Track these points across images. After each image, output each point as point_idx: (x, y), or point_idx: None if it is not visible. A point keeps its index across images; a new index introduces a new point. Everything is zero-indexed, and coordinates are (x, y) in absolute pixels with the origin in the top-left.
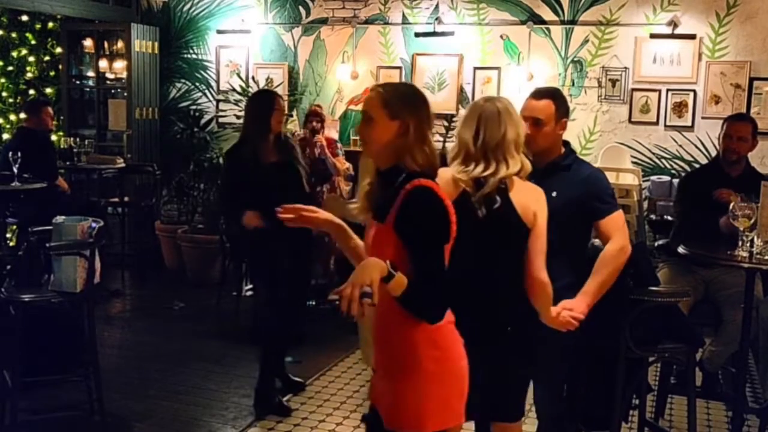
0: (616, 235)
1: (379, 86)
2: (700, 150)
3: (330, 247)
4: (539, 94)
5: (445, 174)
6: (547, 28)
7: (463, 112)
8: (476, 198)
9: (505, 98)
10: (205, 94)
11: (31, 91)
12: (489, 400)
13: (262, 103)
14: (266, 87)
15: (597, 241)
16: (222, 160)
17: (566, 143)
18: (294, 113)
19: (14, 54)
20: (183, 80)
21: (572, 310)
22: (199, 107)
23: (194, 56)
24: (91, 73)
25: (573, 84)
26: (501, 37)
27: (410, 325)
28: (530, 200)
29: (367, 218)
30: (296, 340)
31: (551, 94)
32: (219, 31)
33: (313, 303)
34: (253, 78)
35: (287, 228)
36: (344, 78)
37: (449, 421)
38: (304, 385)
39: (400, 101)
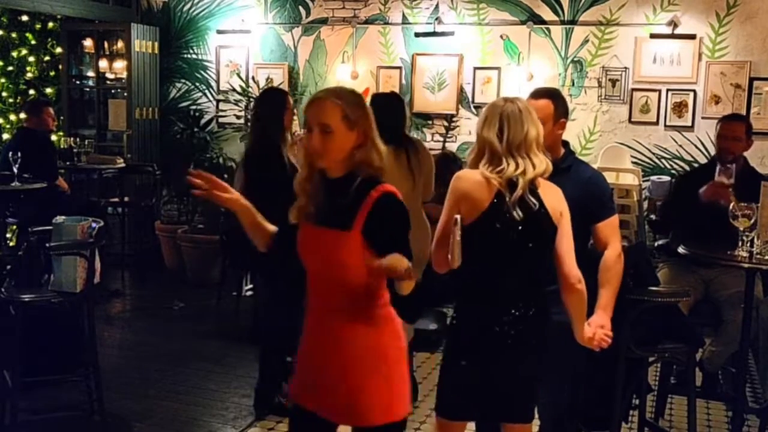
0: (613, 240)
1: (333, 96)
2: (700, 150)
3: None
4: (538, 93)
5: (473, 176)
6: (547, 28)
7: (481, 113)
8: (511, 200)
9: (522, 98)
10: (205, 94)
11: (31, 91)
12: (503, 401)
13: (275, 102)
14: (270, 86)
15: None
16: (241, 163)
17: (565, 144)
18: (294, 113)
19: (14, 54)
20: (183, 80)
21: (603, 327)
22: (199, 107)
23: (194, 56)
24: (91, 73)
25: (573, 84)
26: (501, 37)
27: (379, 320)
28: (557, 200)
29: (305, 221)
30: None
31: (550, 93)
32: (219, 31)
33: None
34: (253, 78)
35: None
36: (344, 78)
37: (409, 403)
38: None
39: (356, 111)
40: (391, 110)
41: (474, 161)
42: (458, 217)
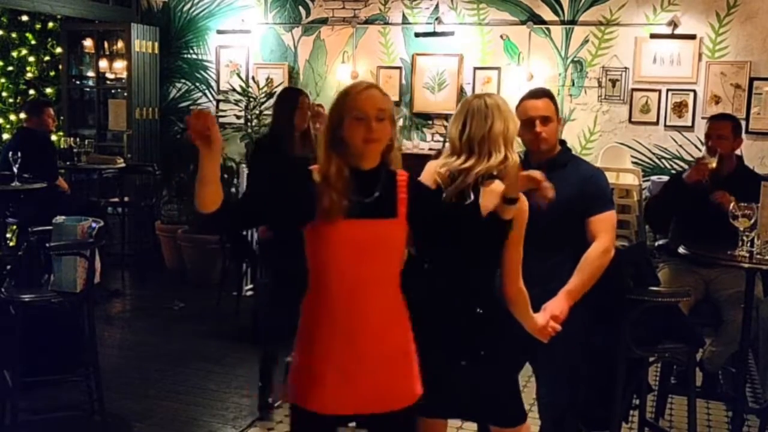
0: (602, 236)
1: (376, 86)
2: (700, 150)
3: None
4: (537, 94)
5: (429, 166)
6: (547, 28)
7: None
8: (449, 191)
9: (498, 95)
10: (205, 94)
11: (31, 91)
12: (485, 407)
13: (286, 101)
14: (289, 86)
15: None
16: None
17: (562, 141)
18: (310, 112)
19: (14, 54)
20: (183, 80)
21: (557, 317)
22: (199, 107)
23: (194, 56)
24: (91, 73)
25: (573, 84)
26: (501, 37)
27: (404, 310)
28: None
29: (339, 216)
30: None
31: (547, 93)
32: (219, 31)
33: None
34: (253, 78)
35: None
36: (344, 78)
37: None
38: None
39: (392, 102)
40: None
41: (443, 156)
42: None
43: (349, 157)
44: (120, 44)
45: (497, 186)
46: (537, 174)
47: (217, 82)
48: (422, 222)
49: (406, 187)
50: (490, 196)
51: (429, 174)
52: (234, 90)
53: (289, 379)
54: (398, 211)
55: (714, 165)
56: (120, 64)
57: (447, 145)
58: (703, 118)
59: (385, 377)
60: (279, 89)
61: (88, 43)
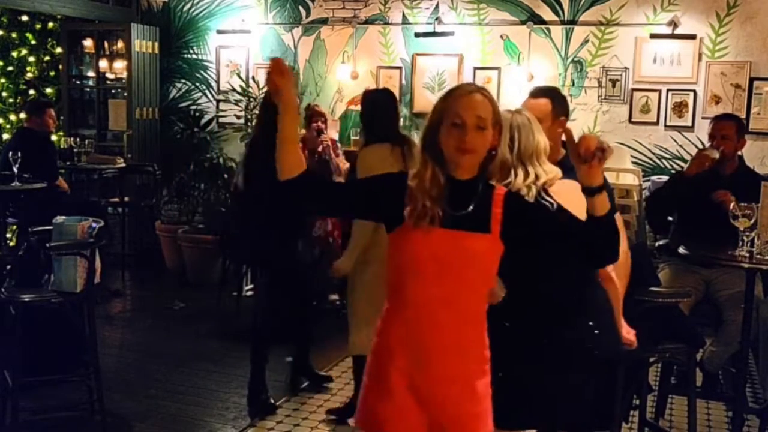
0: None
1: (483, 90)
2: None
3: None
4: (537, 93)
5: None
6: (547, 28)
7: None
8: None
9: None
10: (205, 95)
11: (31, 92)
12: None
13: (271, 105)
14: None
15: None
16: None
17: (564, 145)
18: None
19: (14, 54)
20: (183, 80)
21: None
22: (199, 107)
23: (194, 56)
24: (91, 73)
25: (573, 84)
26: (501, 37)
27: (482, 327)
28: (573, 201)
29: (429, 225)
30: (304, 341)
31: (549, 92)
32: (219, 31)
33: (314, 303)
34: (253, 78)
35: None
36: (344, 78)
37: None
38: (331, 379)
39: (497, 109)
40: (386, 107)
41: None
42: None
43: (445, 164)
44: (120, 44)
45: (561, 189)
46: (590, 138)
47: (217, 82)
48: (524, 239)
49: (502, 203)
50: (566, 201)
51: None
52: (234, 90)
53: (360, 401)
54: (492, 228)
55: (716, 156)
56: (120, 64)
57: None
58: (703, 118)
59: (459, 405)
60: None
61: (88, 43)
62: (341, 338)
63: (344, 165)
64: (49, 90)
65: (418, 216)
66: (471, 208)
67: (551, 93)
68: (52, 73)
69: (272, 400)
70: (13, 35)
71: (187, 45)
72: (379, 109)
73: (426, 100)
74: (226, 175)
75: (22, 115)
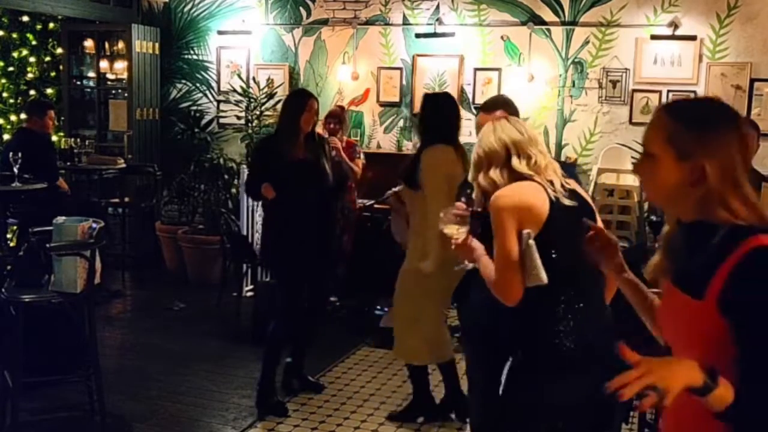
0: None
1: (666, 108)
2: None
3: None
4: (489, 107)
5: (521, 186)
6: (548, 29)
7: (480, 134)
8: (558, 193)
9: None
10: (205, 95)
11: (32, 92)
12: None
13: (293, 103)
14: (299, 87)
15: None
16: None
17: None
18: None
19: (15, 54)
20: (184, 81)
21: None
22: (199, 108)
23: (195, 57)
24: (91, 74)
25: (573, 85)
26: (501, 38)
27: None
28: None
29: (663, 278)
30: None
31: (500, 103)
32: (220, 32)
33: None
34: (253, 79)
35: (311, 236)
36: (345, 79)
37: None
38: (322, 387)
39: (693, 135)
40: (450, 110)
41: (485, 171)
42: (529, 231)
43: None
44: (121, 45)
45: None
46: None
47: (218, 82)
48: (740, 317)
49: (735, 264)
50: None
51: (533, 189)
52: (234, 91)
53: None
54: (707, 291)
55: None
56: (121, 65)
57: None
58: None
59: None
60: (279, 90)
61: (88, 43)
62: (339, 340)
63: (359, 168)
64: (49, 90)
65: (654, 267)
66: (696, 262)
67: (501, 103)
68: (52, 74)
69: (283, 402)
70: (14, 36)
71: (188, 46)
72: (443, 111)
73: None
74: (226, 176)
75: (23, 116)
